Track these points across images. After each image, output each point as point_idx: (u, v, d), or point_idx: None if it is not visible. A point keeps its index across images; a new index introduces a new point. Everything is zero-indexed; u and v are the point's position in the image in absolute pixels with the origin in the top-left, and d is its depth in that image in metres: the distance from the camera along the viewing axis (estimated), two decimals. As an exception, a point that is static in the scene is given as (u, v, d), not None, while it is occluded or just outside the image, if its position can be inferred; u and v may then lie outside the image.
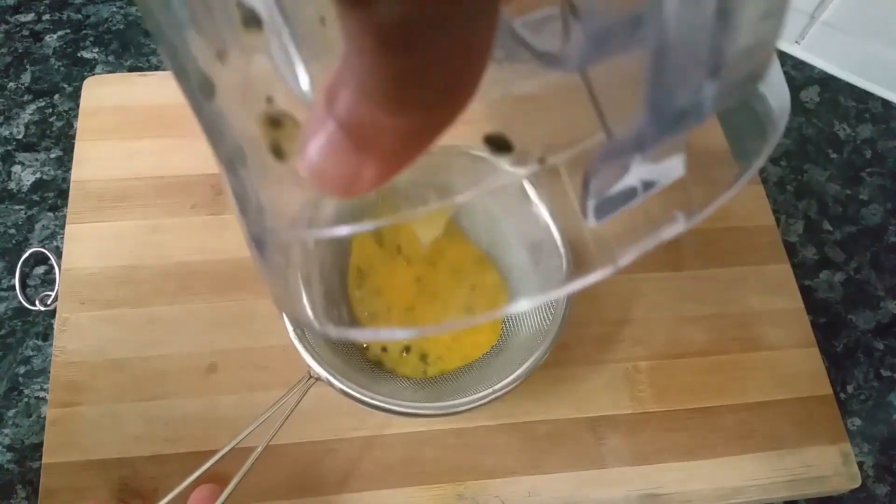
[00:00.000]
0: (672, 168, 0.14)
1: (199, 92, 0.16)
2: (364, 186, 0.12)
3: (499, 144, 0.19)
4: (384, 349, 0.37)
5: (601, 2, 0.13)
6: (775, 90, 0.16)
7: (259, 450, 0.32)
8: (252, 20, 0.15)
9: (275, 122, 0.16)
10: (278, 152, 0.16)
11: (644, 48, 0.12)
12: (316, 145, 0.12)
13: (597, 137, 0.14)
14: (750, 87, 0.13)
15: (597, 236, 0.15)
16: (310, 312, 0.28)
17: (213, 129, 0.17)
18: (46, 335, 0.41)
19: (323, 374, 0.33)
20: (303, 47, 0.16)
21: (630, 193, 0.14)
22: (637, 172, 0.14)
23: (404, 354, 0.36)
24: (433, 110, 0.11)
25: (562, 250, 0.34)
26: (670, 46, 0.12)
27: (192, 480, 0.32)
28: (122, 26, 0.53)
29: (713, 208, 0.15)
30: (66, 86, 0.50)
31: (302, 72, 0.16)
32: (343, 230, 0.24)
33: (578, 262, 0.32)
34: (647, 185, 0.14)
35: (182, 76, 0.16)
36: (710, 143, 0.16)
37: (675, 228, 0.15)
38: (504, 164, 0.19)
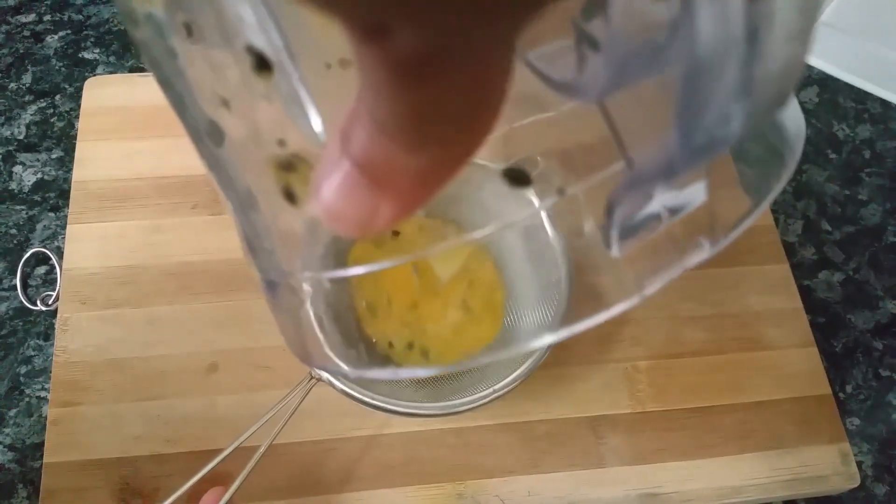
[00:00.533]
0: (695, 194, 0.14)
1: (209, 139, 0.16)
2: (381, 225, 0.12)
3: (517, 178, 0.19)
4: (391, 345, 0.37)
5: (623, 31, 0.13)
6: (790, 111, 0.16)
7: (262, 449, 0.33)
8: (262, 65, 0.15)
9: (287, 165, 0.16)
10: (290, 196, 0.16)
11: (665, 75, 0.12)
12: (331, 185, 0.12)
13: (616, 166, 0.14)
14: (776, 110, 0.13)
15: (619, 264, 0.15)
16: (329, 351, 0.28)
17: (223, 175, 0.17)
18: (47, 335, 0.42)
19: (324, 374, 0.33)
20: (313, 89, 0.16)
21: (653, 221, 0.14)
22: (660, 200, 0.14)
23: (409, 350, 0.36)
24: (450, 146, 0.11)
25: (556, 246, 0.34)
26: (700, 71, 0.11)
27: (197, 480, 0.32)
28: (123, 27, 0.53)
29: (738, 233, 0.15)
30: (67, 86, 0.50)
31: (314, 114, 0.16)
32: (359, 270, 0.24)
33: (580, 268, 0.32)
34: (671, 213, 0.14)
35: (190, 123, 0.16)
36: (729, 167, 0.16)
37: (700, 255, 0.15)
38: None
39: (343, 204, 0.12)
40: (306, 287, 0.22)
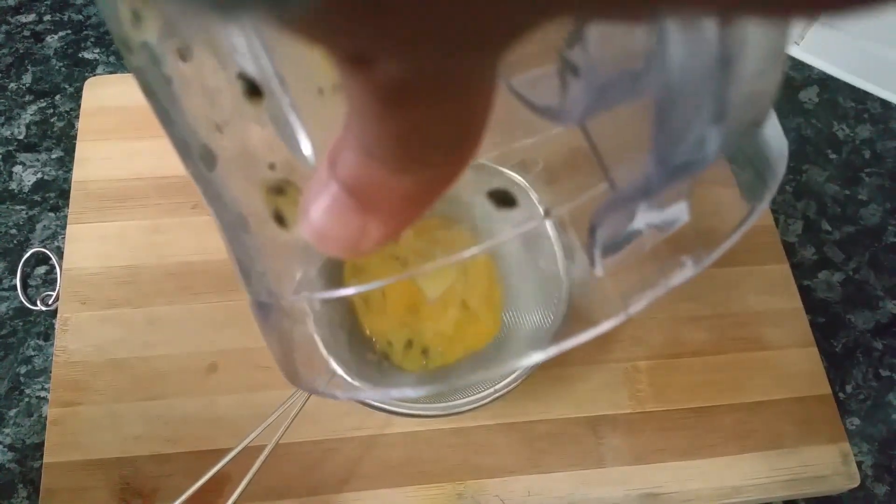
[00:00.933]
0: (677, 214, 0.14)
1: (201, 162, 0.16)
2: (369, 246, 0.12)
3: (503, 199, 0.19)
4: (390, 343, 0.37)
5: (601, 59, 0.14)
6: (772, 136, 0.16)
7: (268, 450, 0.33)
8: (253, 91, 0.15)
9: (278, 189, 0.16)
10: (281, 219, 0.16)
11: (644, 98, 0.12)
12: (319, 207, 0.12)
13: (600, 187, 0.14)
14: (751, 132, 0.13)
15: (605, 283, 0.15)
16: (333, 365, 0.28)
17: (215, 197, 0.17)
18: (47, 335, 0.42)
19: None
20: (305, 114, 0.16)
21: (635, 238, 0.14)
22: (642, 219, 0.14)
23: (408, 349, 0.36)
24: (436, 168, 0.11)
25: (555, 244, 0.34)
26: (675, 96, 0.12)
27: (204, 482, 0.32)
28: (122, 27, 0.53)
29: (720, 252, 0.15)
30: (67, 86, 0.50)
31: (303, 138, 0.16)
32: (349, 291, 0.24)
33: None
34: (655, 232, 0.14)
35: (183, 147, 0.16)
36: (713, 188, 0.16)
37: (684, 274, 0.15)
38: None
39: (331, 226, 0.12)
40: (300, 307, 0.22)
